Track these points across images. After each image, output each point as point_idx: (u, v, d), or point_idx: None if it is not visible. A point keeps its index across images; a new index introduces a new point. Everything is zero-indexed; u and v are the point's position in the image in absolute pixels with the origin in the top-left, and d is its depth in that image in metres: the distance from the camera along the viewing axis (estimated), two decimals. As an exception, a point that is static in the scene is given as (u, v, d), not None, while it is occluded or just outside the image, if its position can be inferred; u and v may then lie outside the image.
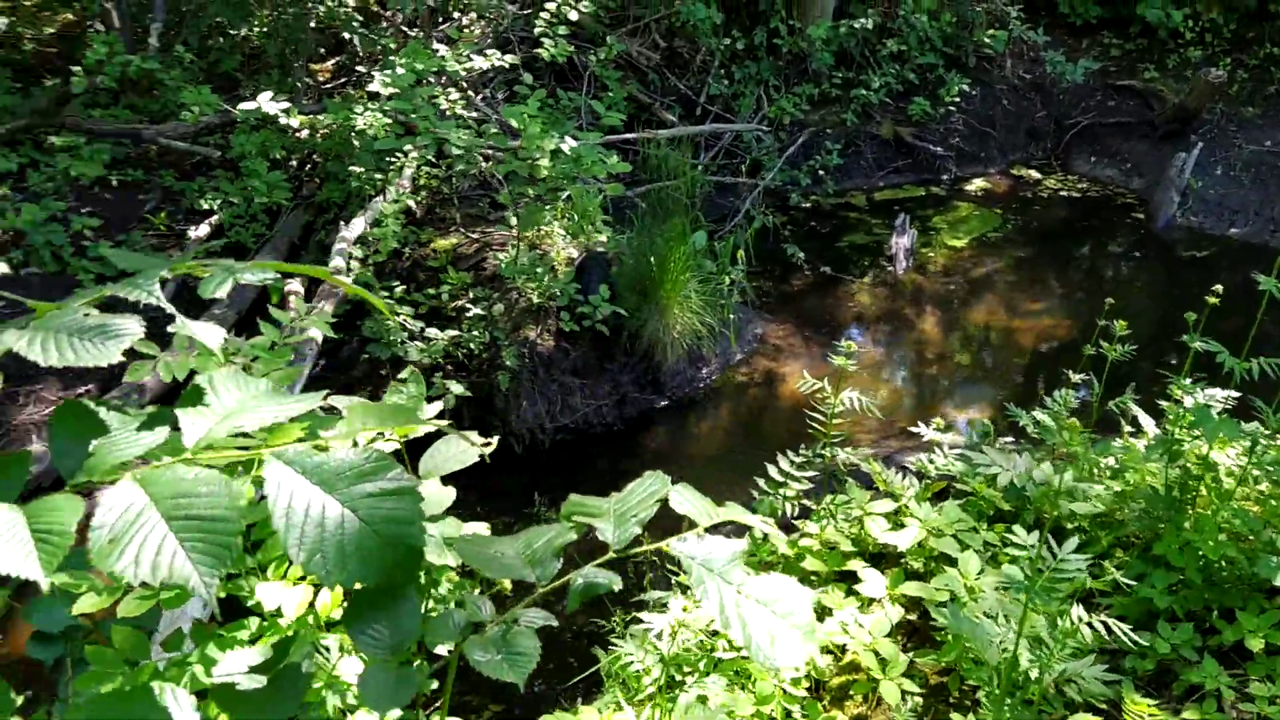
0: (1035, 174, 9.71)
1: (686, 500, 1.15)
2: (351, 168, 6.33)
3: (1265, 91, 9.52)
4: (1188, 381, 3.47)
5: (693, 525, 1.15)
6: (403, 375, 1.78)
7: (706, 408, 6.36)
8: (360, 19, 8.13)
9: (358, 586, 0.95)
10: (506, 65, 6.69)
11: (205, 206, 6.78)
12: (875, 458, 3.81)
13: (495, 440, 2.00)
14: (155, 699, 0.97)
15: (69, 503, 0.90)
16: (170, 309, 1.01)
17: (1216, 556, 3.01)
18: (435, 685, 2.36)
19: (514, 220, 5.78)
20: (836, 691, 3.07)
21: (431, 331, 5.64)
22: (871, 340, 7.06)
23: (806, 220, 8.87)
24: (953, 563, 3.17)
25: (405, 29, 8.41)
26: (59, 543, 0.86)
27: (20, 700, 1.40)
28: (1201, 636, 3.04)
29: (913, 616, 3.32)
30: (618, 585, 1.08)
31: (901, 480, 3.60)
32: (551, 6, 6.53)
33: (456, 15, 8.63)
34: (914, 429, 3.99)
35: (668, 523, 1.23)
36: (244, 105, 5.98)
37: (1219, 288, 3.31)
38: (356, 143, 6.14)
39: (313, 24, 8.60)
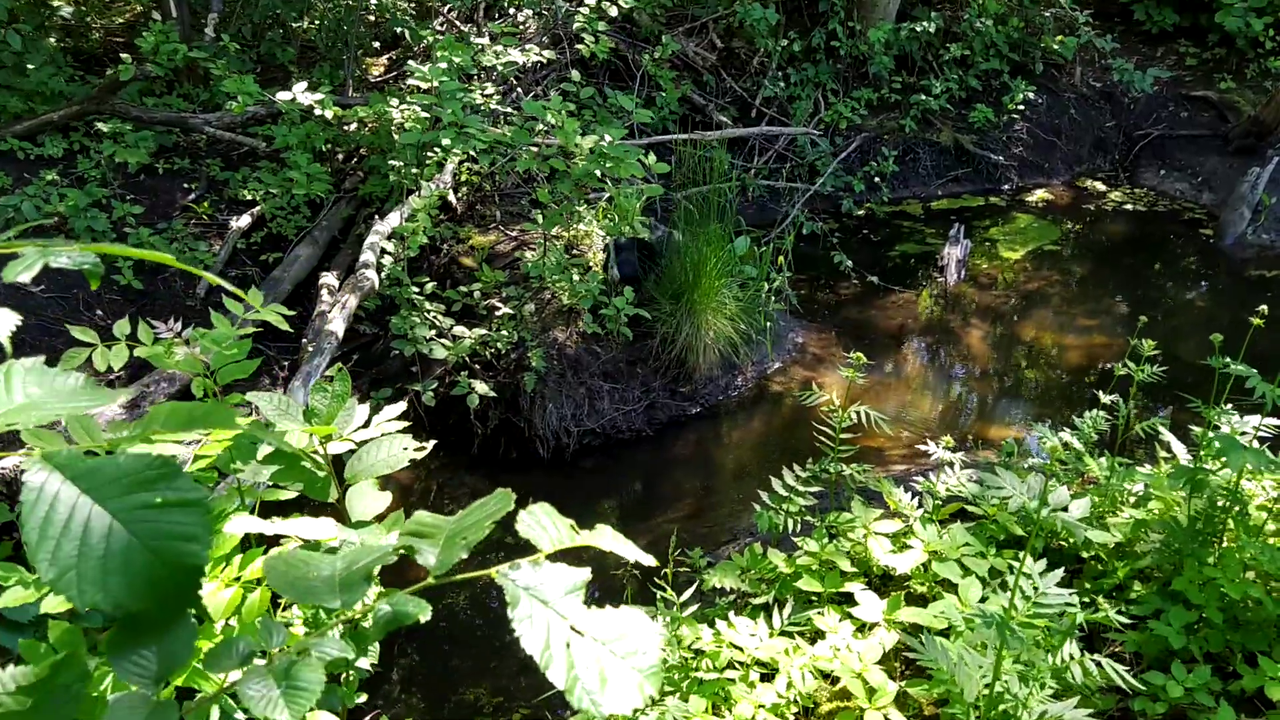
0: (1100, 186, 9.37)
1: (535, 523, 1.04)
2: (391, 162, 6.32)
3: (1350, 106, 9.06)
4: (1227, 405, 3.27)
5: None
6: (329, 373, 1.70)
7: (739, 416, 6.21)
8: (413, 13, 8.14)
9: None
10: (545, 61, 6.62)
11: (248, 197, 6.81)
12: (892, 475, 3.66)
13: (430, 445, 1.92)
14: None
15: None
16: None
17: (1240, 596, 2.81)
18: (363, 698, 2.29)
19: (540, 218, 5.70)
20: (825, 718, 2.93)
21: (459, 330, 5.59)
22: (915, 352, 6.85)
23: (859, 228, 8.68)
24: (954, 588, 3.00)
25: (459, 23, 8.41)
26: None
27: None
28: (1220, 680, 2.84)
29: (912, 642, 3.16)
30: (425, 615, 0.97)
31: (913, 501, 3.44)
32: (591, 2, 6.45)
33: (512, 11, 8.59)
34: (922, 446, 3.81)
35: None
36: (280, 95, 5.99)
37: (1264, 308, 3.12)
38: (396, 136, 6.12)
39: (369, 18, 8.65)
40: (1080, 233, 8.54)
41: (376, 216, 6.11)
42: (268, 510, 2.00)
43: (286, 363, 6.02)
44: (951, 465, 3.53)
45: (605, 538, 1.08)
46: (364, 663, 1.90)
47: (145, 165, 6.91)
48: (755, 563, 3.33)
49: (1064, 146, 9.58)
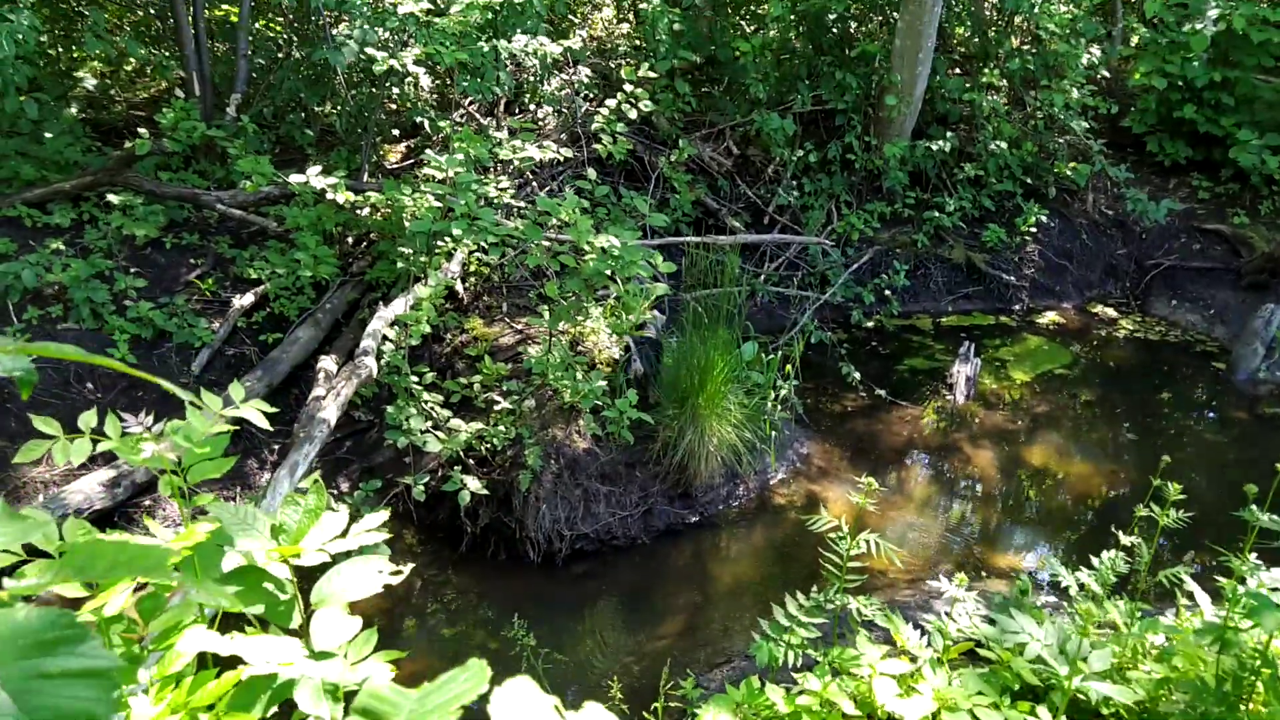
0: (1112, 312, 9.31)
1: (513, 706, 0.88)
2: (401, 248, 6.26)
3: (1363, 247, 9.05)
4: (1253, 557, 3.11)
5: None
6: (303, 484, 1.56)
7: (739, 528, 6.02)
8: (434, 104, 8.18)
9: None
10: (562, 158, 6.60)
11: (253, 275, 6.74)
12: (897, 607, 3.47)
13: (407, 569, 1.77)
14: None
15: None
16: None
17: (1271, 767, 2.61)
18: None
19: (546, 314, 5.60)
20: None
21: (455, 422, 5.45)
22: (921, 470, 6.68)
23: (867, 340, 8.59)
24: (965, 742, 2.79)
25: (479, 116, 8.45)
26: None
27: None
28: None
29: (918, 797, 2.93)
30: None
31: (921, 639, 3.25)
32: (611, 104, 6.45)
33: (532, 107, 8.64)
34: (935, 581, 3.63)
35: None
36: (294, 178, 5.96)
37: (1292, 456, 2.98)
38: (407, 223, 6.07)
39: (390, 105, 8.71)
40: (1090, 358, 8.44)
41: (381, 302, 6.02)
42: (229, 622, 1.84)
43: (277, 446, 5.86)
44: (964, 602, 3.34)
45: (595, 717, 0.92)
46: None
47: (153, 239, 6.85)
48: (752, 698, 3.12)
49: (1075, 271, 9.55)
